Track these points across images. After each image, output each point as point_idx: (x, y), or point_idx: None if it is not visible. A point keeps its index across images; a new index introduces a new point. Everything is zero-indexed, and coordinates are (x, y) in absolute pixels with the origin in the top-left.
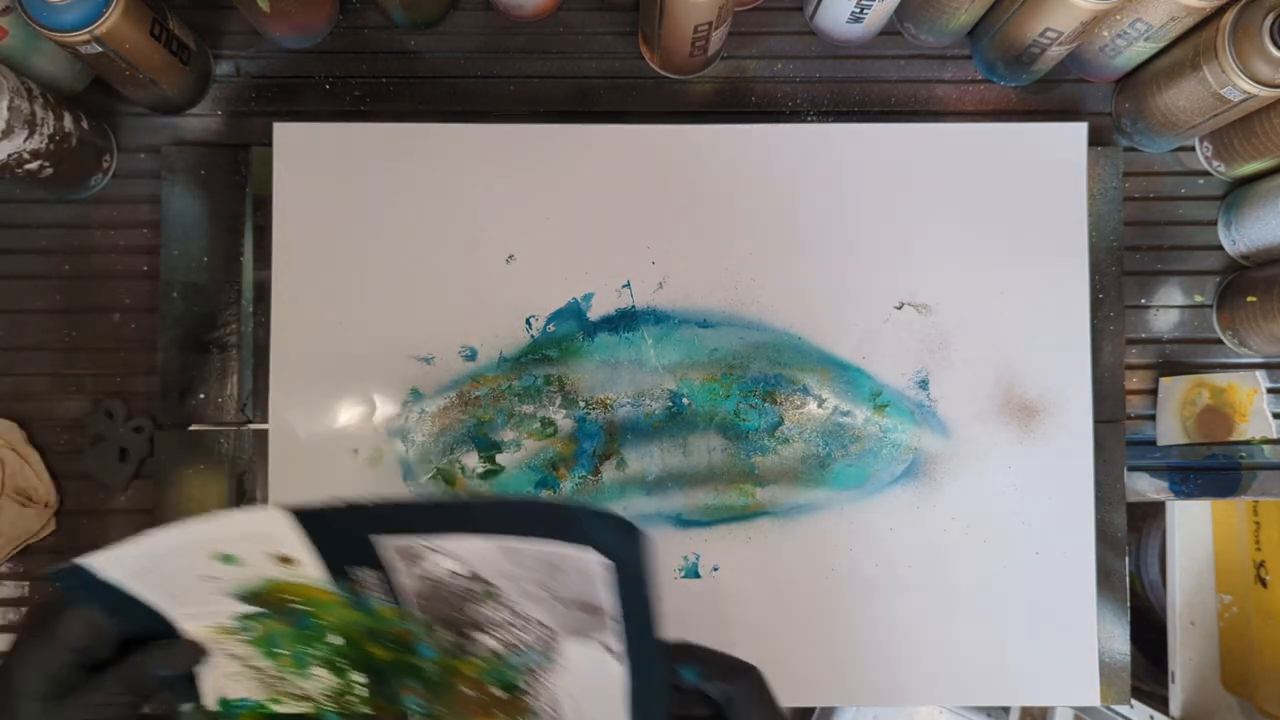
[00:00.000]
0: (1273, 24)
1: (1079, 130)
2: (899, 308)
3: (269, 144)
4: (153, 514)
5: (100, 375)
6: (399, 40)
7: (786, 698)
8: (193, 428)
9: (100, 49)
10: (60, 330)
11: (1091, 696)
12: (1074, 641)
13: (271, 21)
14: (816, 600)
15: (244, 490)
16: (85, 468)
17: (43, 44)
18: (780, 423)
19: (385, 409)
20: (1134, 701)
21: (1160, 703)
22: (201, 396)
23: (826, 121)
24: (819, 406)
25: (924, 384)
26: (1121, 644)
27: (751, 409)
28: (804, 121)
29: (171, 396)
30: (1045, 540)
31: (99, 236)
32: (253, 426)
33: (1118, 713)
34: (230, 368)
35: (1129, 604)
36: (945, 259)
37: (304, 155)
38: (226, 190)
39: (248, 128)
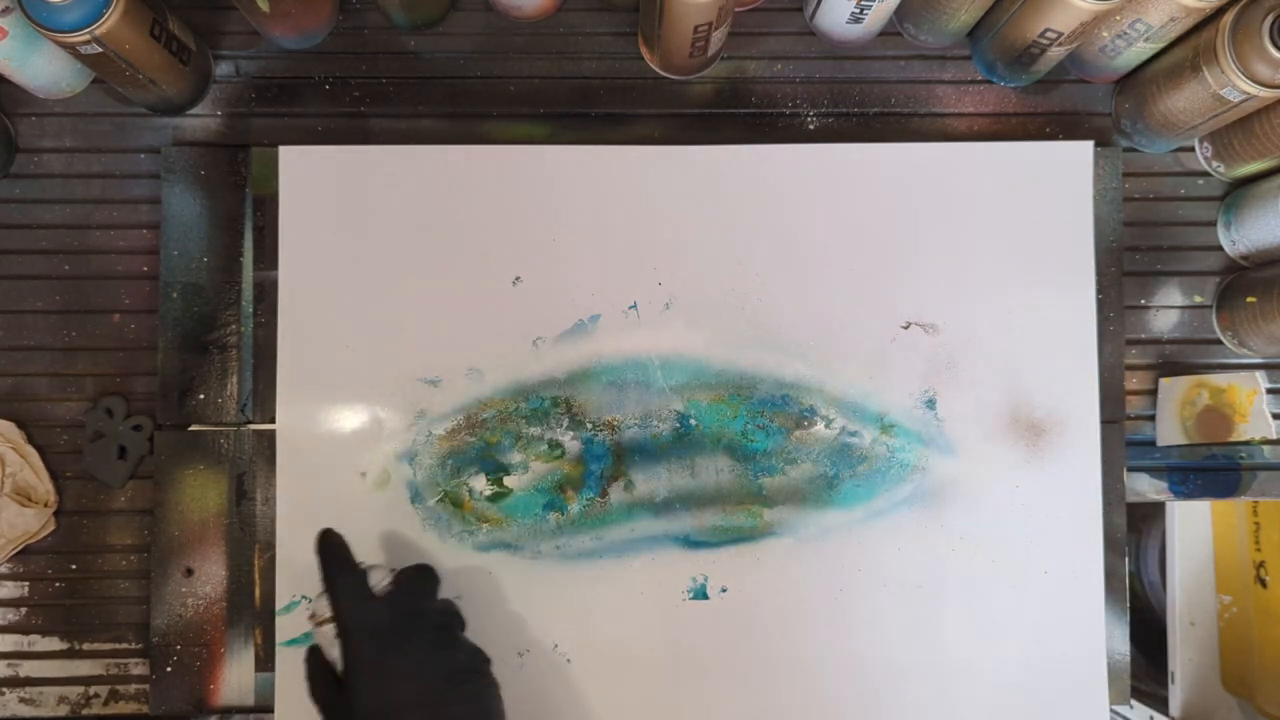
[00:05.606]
0: (1272, 24)
1: (1084, 149)
2: (906, 328)
3: (269, 144)
4: (152, 514)
5: (100, 375)
6: (399, 41)
7: (798, 719)
8: (192, 428)
9: (100, 49)
10: (60, 330)
11: (1100, 716)
12: (1082, 660)
13: (271, 22)
14: (825, 621)
15: (244, 490)
16: (84, 465)
17: (43, 44)
18: (788, 443)
19: (392, 431)
20: (1134, 702)
21: (1160, 703)
22: (201, 397)
23: (827, 122)
24: (826, 427)
25: (931, 404)
26: (1121, 644)
27: (759, 430)
28: (804, 122)
29: (171, 397)
30: (1054, 559)
31: (99, 237)
32: (252, 427)
33: (1118, 713)
34: (230, 368)
35: (1129, 604)
36: (952, 279)
37: (310, 179)
38: (226, 190)
39: (248, 128)
